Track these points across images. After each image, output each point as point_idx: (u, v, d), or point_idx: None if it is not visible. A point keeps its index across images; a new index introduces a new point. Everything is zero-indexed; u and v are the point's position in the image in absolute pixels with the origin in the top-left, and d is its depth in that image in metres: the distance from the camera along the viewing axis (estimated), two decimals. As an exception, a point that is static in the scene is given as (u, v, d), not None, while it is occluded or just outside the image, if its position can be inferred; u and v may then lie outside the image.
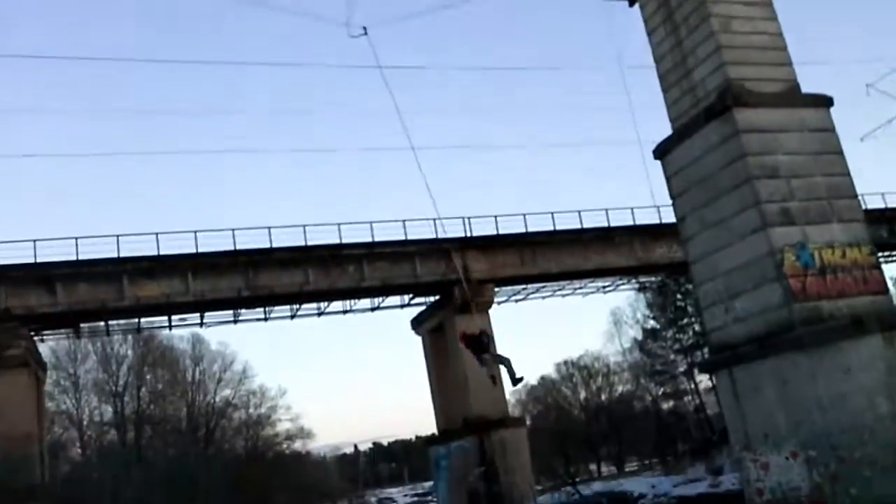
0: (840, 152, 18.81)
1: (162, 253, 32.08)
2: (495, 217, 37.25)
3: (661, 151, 20.40)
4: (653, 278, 48.59)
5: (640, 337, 60.45)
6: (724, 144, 18.31)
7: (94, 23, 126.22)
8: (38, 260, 30.83)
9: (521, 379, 15.89)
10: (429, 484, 74.84)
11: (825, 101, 19.13)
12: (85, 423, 47.96)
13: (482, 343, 17.30)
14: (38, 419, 33.31)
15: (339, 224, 34.89)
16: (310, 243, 34.27)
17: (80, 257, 31.21)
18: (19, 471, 24.61)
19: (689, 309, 54.36)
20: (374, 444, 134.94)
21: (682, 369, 57.77)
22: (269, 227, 34.05)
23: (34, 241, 30.92)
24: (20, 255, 30.85)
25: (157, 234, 32.20)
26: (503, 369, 15.95)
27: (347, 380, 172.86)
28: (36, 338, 34.63)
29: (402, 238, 35.57)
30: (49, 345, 41.02)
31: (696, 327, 53.38)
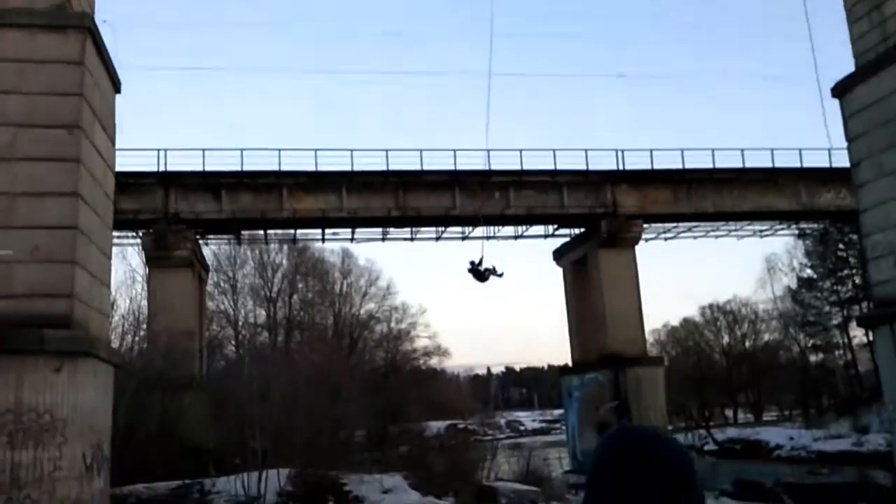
0: None
1: (319, 169, 33.36)
2: (650, 151, 36.14)
3: (841, 89, 18.92)
4: (815, 225, 45.96)
5: (794, 285, 57.62)
6: (914, 84, 16.79)
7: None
8: (207, 168, 32.77)
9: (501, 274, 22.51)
10: (557, 412, 75.68)
11: None
12: (240, 323, 51.21)
13: (481, 274, 23.96)
14: (199, 317, 35.90)
15: (488, 150, 35.01)
16: (459, 168, 34.60)
17: (245, 168, 32.93)
18: (180, 363, 26.66)
19: (851, 260, 51.18)
20: (507, 368, 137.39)
21: (835, 322, 54.80)
22: (421, 150, 34.62)
23: (203, 150, 32.84)
24: (190, 163, 32.96)
25: (315, 150, 33.51)
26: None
27: (485, 305, 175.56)
28: (200, 241, 37.02)
29: (552, 168, 35.23)
30: (212, 249, 43.87)
31: (857, 280, 50.31)
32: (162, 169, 32.40)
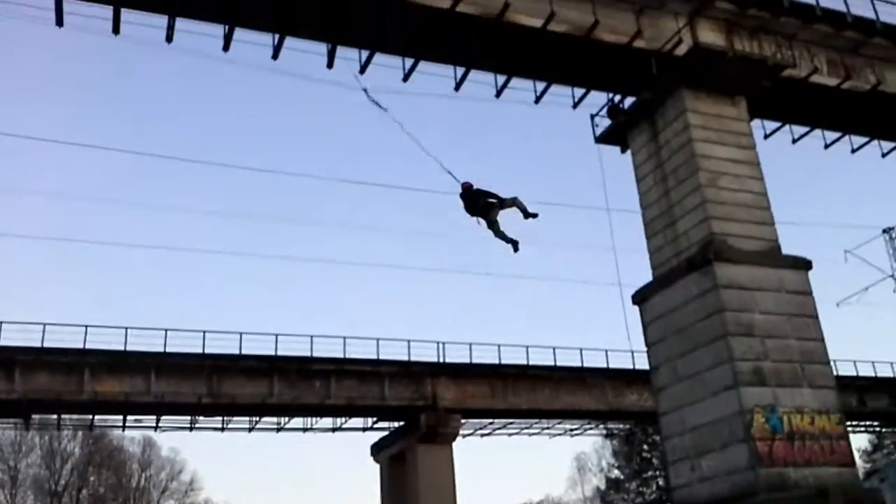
0: (815, 316, 19.03)
1: (129, 349, 31.40)
2: (469, 345, 36.82)
3: (641, 297, 20.58)
4: (621, 425, 48.00)
5: (603, 486, 59.13)
6: (703, 297, 18.50)
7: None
8: (1, 343, 30.03)
9: (535, 214, 14.19)
10: None
11: (805, 264, 19.52)
12: (17, 521, 45.46)
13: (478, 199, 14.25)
14: (-32, 511, 31.58)
15: (311, 336, 34.22)
16: (279, 353, 33.67)
17: (45, 345, 30.44)
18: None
19: (655, 461, 53.51)
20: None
21: (642, 524, 56.24)
22: (241, 333, 33.40)
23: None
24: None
25: (126, 328, 31.50)
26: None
27: (297, 501, 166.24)
28: (-18, 424, 33.33)
29: (374, 357, 35.07)
30: (-6, 433, 39.49)
31: (661, 481, 52.39)
32: (-53, 341, 29.41)
